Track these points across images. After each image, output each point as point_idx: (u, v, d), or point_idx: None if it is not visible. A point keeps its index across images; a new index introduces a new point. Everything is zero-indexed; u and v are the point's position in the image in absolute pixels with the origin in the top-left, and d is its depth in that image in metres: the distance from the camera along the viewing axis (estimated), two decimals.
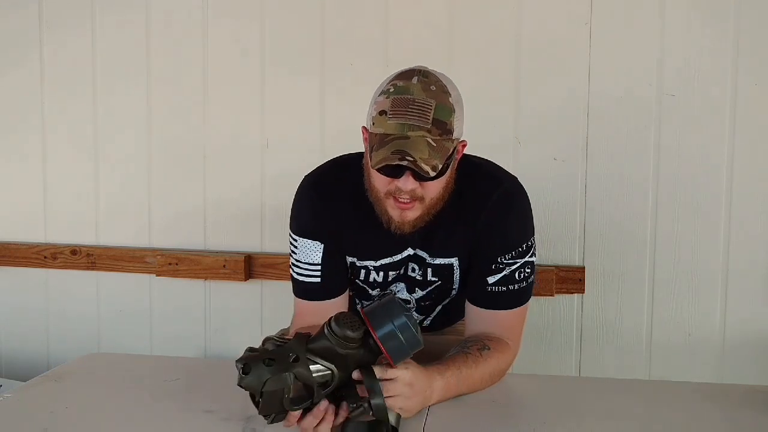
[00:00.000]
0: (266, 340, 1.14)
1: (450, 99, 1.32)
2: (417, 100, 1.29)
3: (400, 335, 1.13)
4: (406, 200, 1.34)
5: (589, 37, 2.14)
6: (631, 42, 2.12)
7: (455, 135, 1.32)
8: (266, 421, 1.12)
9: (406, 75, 1.33)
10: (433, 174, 1.28)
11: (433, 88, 1.31)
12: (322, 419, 1.13)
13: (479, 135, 2.02)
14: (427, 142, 1.27)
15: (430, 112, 1.28)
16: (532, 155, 2.18)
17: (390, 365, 1.17)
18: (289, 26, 2.31)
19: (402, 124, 1.28)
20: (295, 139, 2.32)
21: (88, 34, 2.44)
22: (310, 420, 1.13)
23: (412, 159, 1.25)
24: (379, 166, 1.28)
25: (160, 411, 1.32)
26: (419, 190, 1.34)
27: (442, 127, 1.29)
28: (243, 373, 1.07)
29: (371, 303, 1.16)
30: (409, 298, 1.54)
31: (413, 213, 1.36)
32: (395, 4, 2.24)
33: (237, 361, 1.09)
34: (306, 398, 1.12)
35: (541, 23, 2.16)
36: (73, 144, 2.49)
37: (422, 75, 1.33)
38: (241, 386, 1.08)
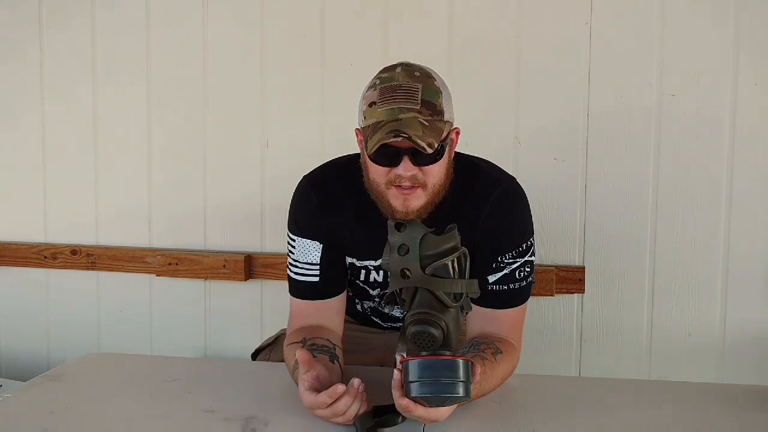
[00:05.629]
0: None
1: (435, 83, 1.35)
2: (403, 85, 1.32)
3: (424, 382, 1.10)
4: (407, 186, 1.33)
5: (589, 37, 2.14)
6: (631, 42, 2.12)
7: (446, 117, 1.34)
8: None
9: (389, 68, 1.37)
10: (430, 151, 1.28)
11: (417, 73, 1.34)
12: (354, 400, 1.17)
13: (480, 135, 2.04)
14: (419, 121, 1.29)
15: (417, 94, 1.31)
16: (532, 155, 2.18)
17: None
18: (288, 26, 2.31)
19: (392, 109, 1.30)
20: (295, 139, 2.32)
21: (88, 33, 2.44)
22: (346, 401, 1.16)
23: (407, 135, 1.26)
24: (376, 147, 1.29)
25: (160, 411, 1.32)
26: (420, 176, 1.34)
27: (432, 108, 1.31)
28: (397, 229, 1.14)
29: (462, 355, 1.17)
30: None
31: (417, 200, 1.36)
32: (395, 4, 2.24)
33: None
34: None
35: (541, 23, 2.16)
36: (73, 144, 2.49)
37: (405, 65, 1.36)
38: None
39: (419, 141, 1.27)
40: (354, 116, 1.42)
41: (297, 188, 1.52)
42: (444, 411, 1.16)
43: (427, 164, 1.33)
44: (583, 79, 2.15)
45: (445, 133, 1.33)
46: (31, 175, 2.52)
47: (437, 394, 1.11)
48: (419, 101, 1.30)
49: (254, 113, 2.35)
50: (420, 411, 1.14)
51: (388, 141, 1.27)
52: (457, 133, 1.42)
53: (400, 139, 1.27)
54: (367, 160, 1.36)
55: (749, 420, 1.29)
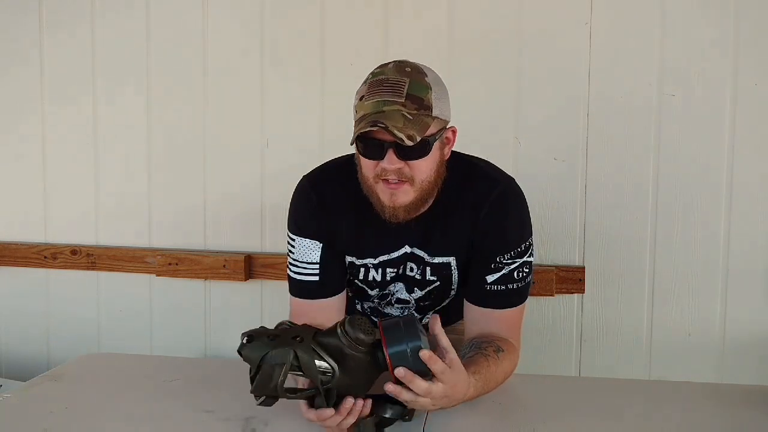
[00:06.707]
0: (280, 324, 1.15)
1: (426, 78, 1.35)
2: (390, 79, 1.33)
3: (410, 358, 1.11)
4: (394, 180, 1.34)
5: (589, 37, 2.14)
6: (631, 42, 2.12)
7: (436, 113, 1.34)
8: (256, 402, 1.10)
9: (383, 64, 1.39)
10: (410, 143, 1.28)
11: (407, 69, 1.35)
12: (349, 413, 1.15)
13: (479, 135, 2.04)
14: (402, 114, 1.29)
15: (403, 88, 1.31)
16: (532, 155, 2.18)
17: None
18: (289, 26, 2.31)
19: (377, 102, 1.31)
20: (295, 139, 2.32)
21: (89, 34, 2.44)
22: (336, 418, 1.14)
23: (384, 125, 1.27)
24: (354, 137, 1.31)
25: (160, 411, 1.32)
26: (407, 170, 1.34)
27: (418, 102, 1.31)
28: (246, 342, 1.09)
29: (391, 318, 1.15)
30: (408, 298, 1.54)
31: (404, 196, 1.36)
32: (395, 4, 2.24)
33: (243, 333, 1.11)
34: (303, 390, 1.14)
35: (541, 23, 2.16)
36: (73, 144, 2.49)
37: (399, 62, 1.38)
38: (240, 354, 1.09)
39: (397, 132, 1.27)
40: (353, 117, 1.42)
41: (297, 188, 1.53)
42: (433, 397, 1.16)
43: (412, 159, 1.33)
44: (584, 79, 2.15)
45: (433, 129, 1.33)
46: (31, 175, 2.53)
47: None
48: (404, 95, 1.31)
49: (254, 113, 2.35)
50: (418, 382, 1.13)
51: (365, 130, 1.29)
52: (454, 132, 1.42)
53: (376, 128, 1.27)
54: (358, 154, 1.37)
55: (749, 420, 1.29)
